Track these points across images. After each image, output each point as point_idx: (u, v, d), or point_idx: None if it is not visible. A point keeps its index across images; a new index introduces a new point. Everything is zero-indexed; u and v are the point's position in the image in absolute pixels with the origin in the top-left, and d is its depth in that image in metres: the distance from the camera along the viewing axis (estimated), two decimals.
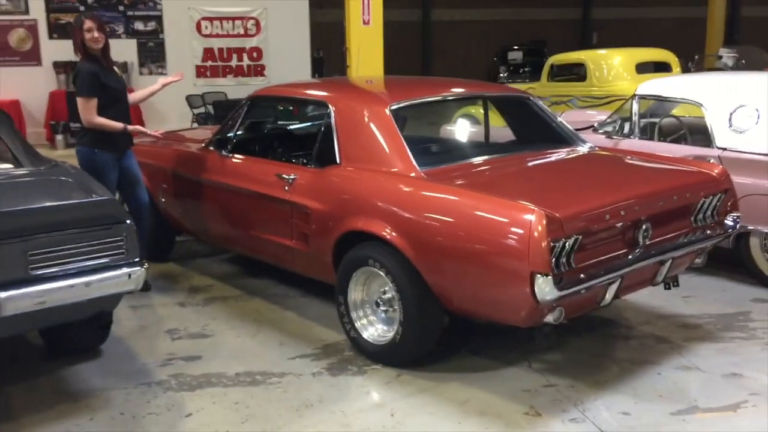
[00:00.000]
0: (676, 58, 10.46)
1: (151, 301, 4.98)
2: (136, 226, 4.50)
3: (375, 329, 4.03)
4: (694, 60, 13.77)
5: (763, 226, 4.84)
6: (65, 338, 4.05)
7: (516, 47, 20.83)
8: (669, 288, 4.21)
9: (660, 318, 4.55)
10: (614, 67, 9.95)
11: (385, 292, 3.93)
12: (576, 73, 10.56)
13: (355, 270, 3.99)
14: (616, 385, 3.70)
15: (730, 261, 5.24)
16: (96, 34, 4.72)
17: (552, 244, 3.22)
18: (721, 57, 12.65)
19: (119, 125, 4.79)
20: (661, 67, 10.24)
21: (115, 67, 5.01)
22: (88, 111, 4.73)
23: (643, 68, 9.93)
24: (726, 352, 4.06)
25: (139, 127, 4.96)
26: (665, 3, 24.55)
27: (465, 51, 23.43)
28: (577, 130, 5.37)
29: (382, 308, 3.99)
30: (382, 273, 3.84)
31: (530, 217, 3.22)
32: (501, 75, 18.41)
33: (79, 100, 4.74)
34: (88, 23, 4.73)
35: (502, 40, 21.63)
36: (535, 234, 3.18)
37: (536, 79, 11.46)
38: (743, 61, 12.46)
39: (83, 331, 4.00)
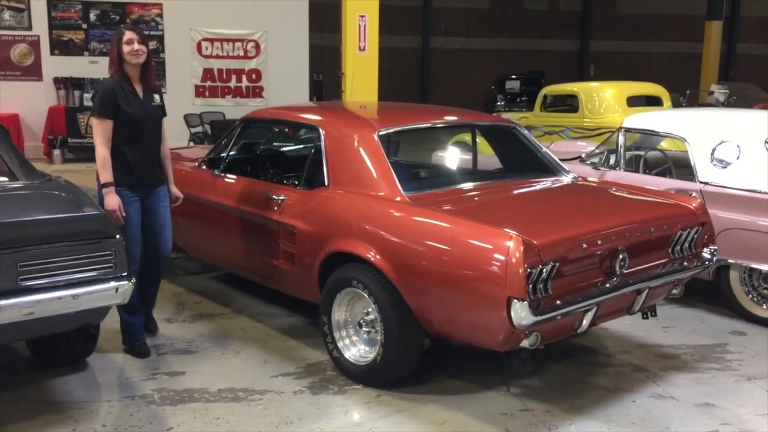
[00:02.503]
0: (668, 93, 10.62)
1: None
2: (145, 279, 4.38)
3: (357, 350, 4.10)
4: (686, 95, 13.96)
5: (743, 260, 4.93)
6: (52, 350, 4.11)
7: (514, 76, 21.09)
8: (646, 317, 4.29)
9: (638, 347, 4.63)
10: (606, 99, 10.10)
11: (367, 314, 4.01)
12: (569, 104, 10.71)
13: (339, 291, 4.07)
14: (591, 411, 3.77)
15: (710, 293, 5.33)
16: (136, 46, 4.17)
17: (529, 270, 3.30)
18: (712, 93, 12.84)
19: (103, 176, 4.16)
20: (653, 101, 10.40)
21: (157, 95, 4.41)
22: (97, 134, 4.18)
23: (635, 102, 10.08)
24: (701, 383, 4.13)
25: (112, 205, 4.10)
26: (662, 38, 24.92)
27: (463, 79, 23.71)
28: (565, 160, 5.49)
29: (364, 329, 4.06)
30: (365, 294, 3.91)
31: (508, 244, 3.31)
32: (498, 103, 18.64)
33: (93, 121, 4.24)
34: (128, 34, 4.19)
35: (500, 69, 21.92)
36: (513, 260, 3.27)
37: (533, 108, 11.62)
38: (734, 98, 12.64)
39: (70, 343, 4.06)
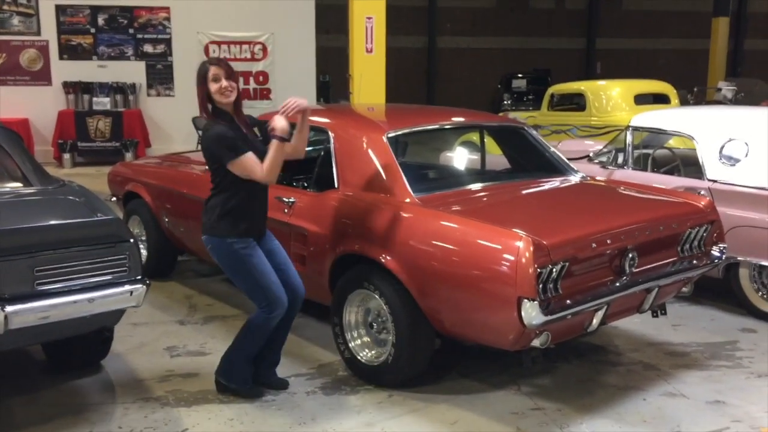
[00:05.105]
0: (675, 90, 10.61)
1: (152, 318, 5.09)
2: (279, 323, 3.81)
3: (369, 350, 4.13)
4: (694, 92, 13.93)
5: (752, 257, 4.94)
6: (67, 353, 4.16)
7: (520, 75, 21.05)
8: (656, 316, 4.31)
9: (649, 345, 4.64)
10: (613, 98, 10.10)
11: (379, 314, 4.04)
12: (576, 102, 10.71)
13: (350, 292, 4.11)
14: (601, 409, 3.79)
15: (720, 291, 5.34)
16: (224, 83, 3.63)
17: (539, 270, 3.33)
18: (720, 89, 12.81)
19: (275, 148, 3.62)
20: (660, 99, 10.39)
21: (256, 128, 3.87)
22: (247, 170, 3.59)
23: (642, 99, 10.07)
24: (711, 380, 4.15)
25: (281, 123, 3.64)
26: (669, 35, 24.86)
27: (470, 78, 23.71)
28: (573, 159, 5.51)
29: (375, 330, 4.09)
30: (376, 295, 3.95)
31: (518, 244, 3.33)
32: (504, 102, 18.64)
33: (234, 166, 3.57)
34: (213, 70, 3.63)
35: (506, 68, 21.90)
36: (523, 260, 3.30)
37: (539, 107, 11.62)
38: (742, 94, 12.62)
39: (85, 346, 4.11)
